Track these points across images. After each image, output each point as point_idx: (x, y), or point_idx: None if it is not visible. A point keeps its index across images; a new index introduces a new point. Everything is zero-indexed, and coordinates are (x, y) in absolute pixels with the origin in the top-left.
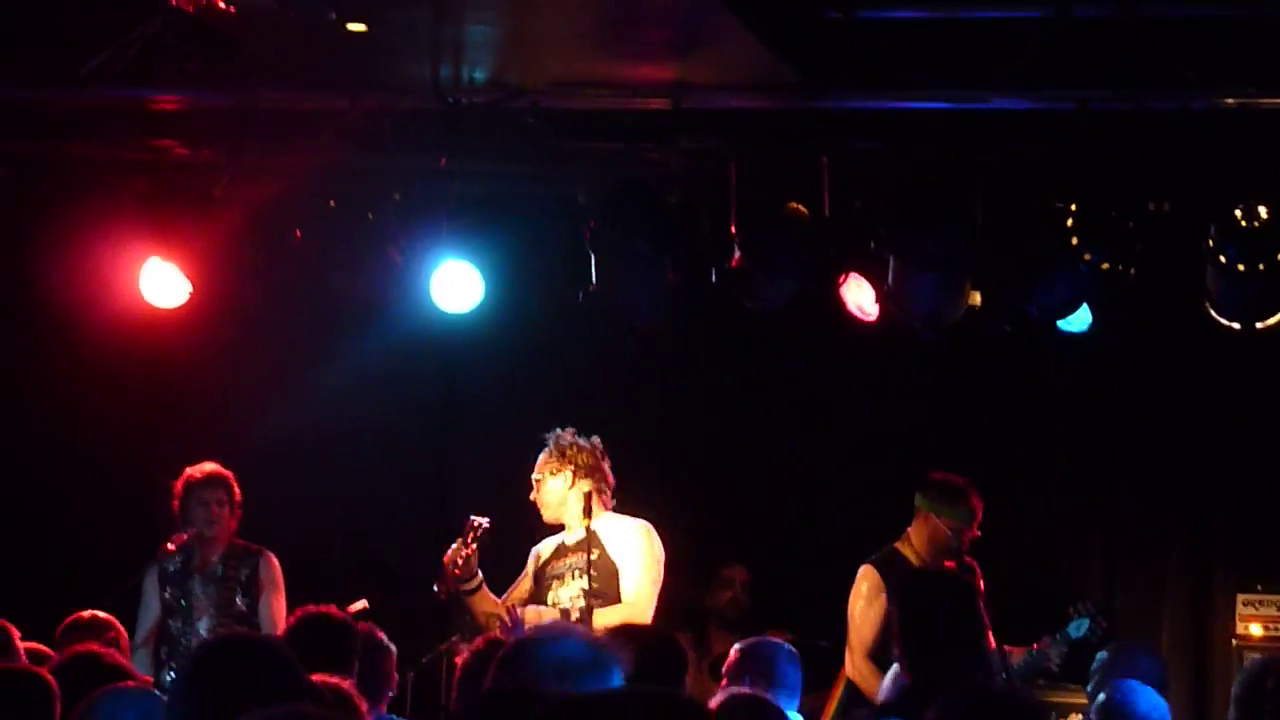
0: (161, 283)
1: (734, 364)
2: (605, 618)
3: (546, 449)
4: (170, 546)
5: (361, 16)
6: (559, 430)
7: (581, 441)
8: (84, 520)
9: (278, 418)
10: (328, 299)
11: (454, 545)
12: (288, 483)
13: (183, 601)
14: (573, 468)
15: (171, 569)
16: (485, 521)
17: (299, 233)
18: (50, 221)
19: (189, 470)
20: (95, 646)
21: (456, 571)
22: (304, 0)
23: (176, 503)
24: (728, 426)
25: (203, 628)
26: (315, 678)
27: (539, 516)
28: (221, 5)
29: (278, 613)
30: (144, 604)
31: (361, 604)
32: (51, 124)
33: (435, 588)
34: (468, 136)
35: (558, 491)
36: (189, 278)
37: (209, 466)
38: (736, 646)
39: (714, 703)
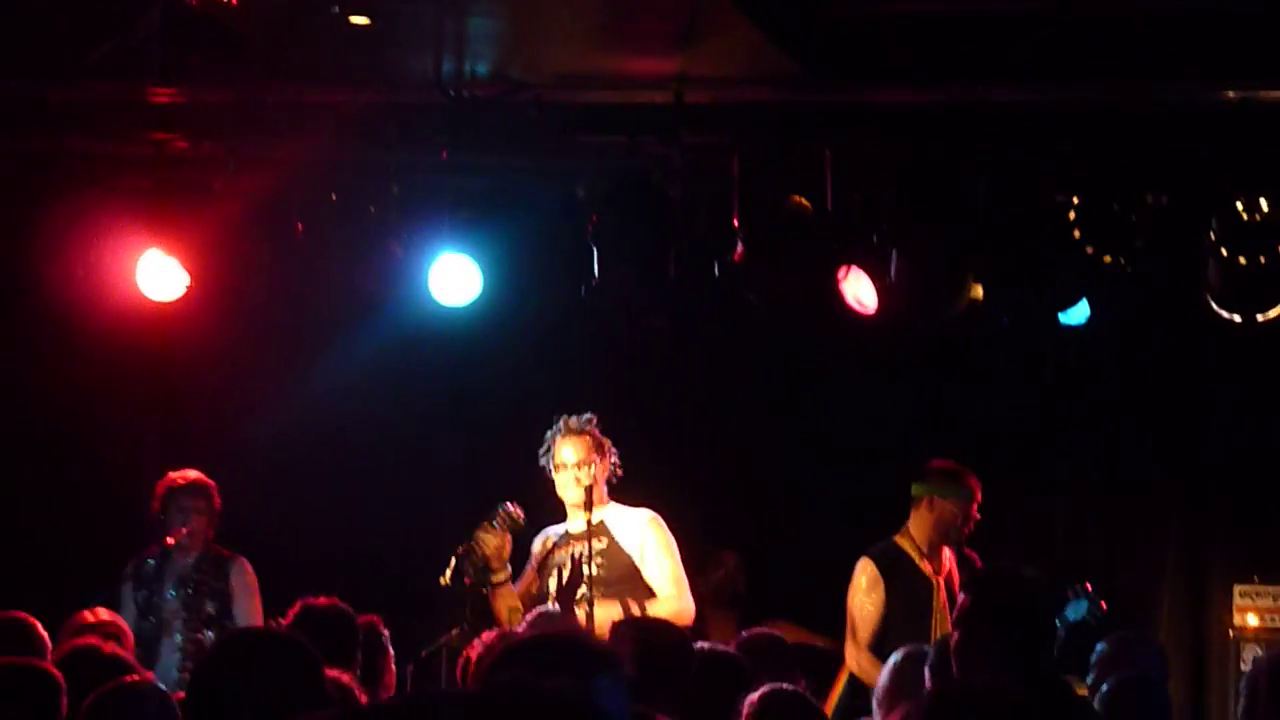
0: (159, 276)
1: (735, 356)
2: (656, 609)
3: (579, 433)
4: (152, 550)
5: (365, 10)
6: (586, 415)
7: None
8: (79, 514)
9: (276, 410)
10: (328, 292)
11: (484, 534)
12: (286, 475)
13: (155, 604)
14: (601, 456)
15: (146, 573)
16: (519, 511)
17: (299, 226)
18: (49, 214)
19: (172, 475)
20: (95, 639)
21: (489, 562)
22: None
23: (157, 504)
24: (728, 418)
25: (174, 631)
26: None
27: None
28: None
29: (251, 618)
30: (122, 607)
31: None
32: (52, 117)
33: (448, 576)
34: (470, 130)
35: (592, 478)
36: (188, 271)
37: (192, 474)
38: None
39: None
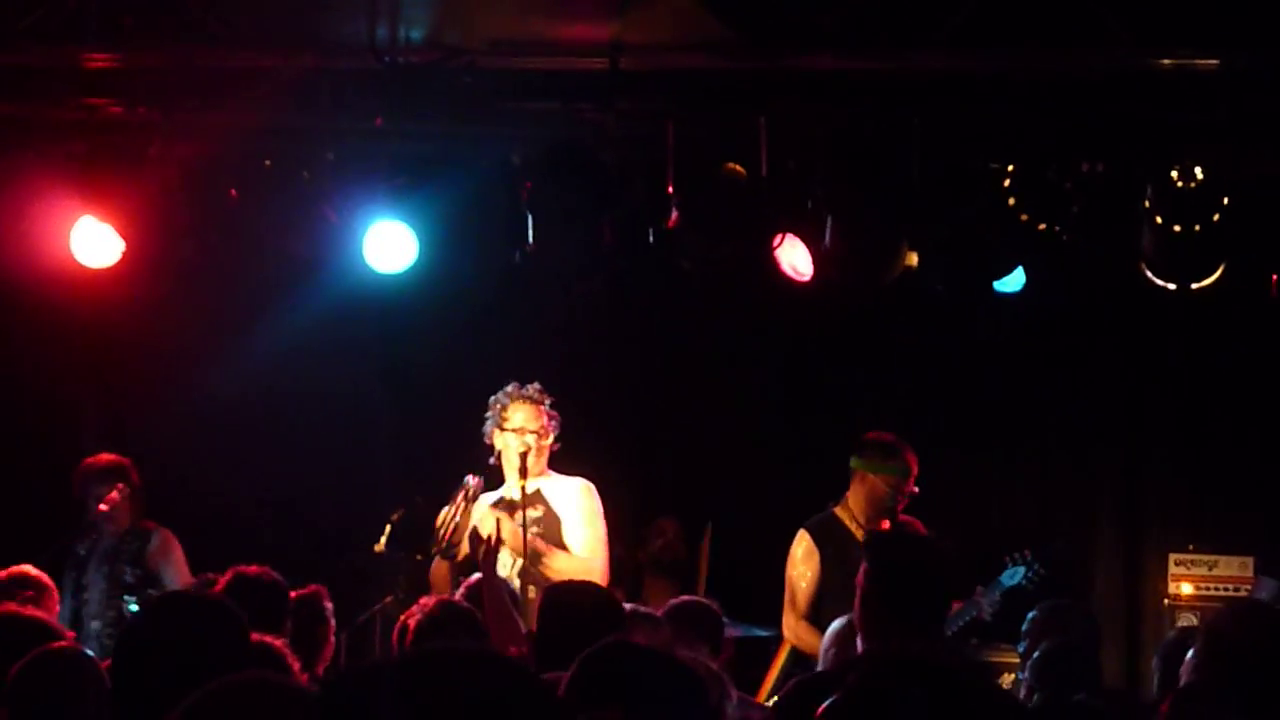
0: (94, 242)
1: (670, 324)
2: (559, 562)
3: (534, 402)
4: (84, 534)
5: None
6: (536, 385)
7: None
8: (13, 482)
9: (212, 376)
10: (262, 258)
11: (446, 510)
12: (221, 441)
13: (83, 583)
14: (550, 426)
15: (76, 555)
16: (478, 481)
17: (234, 192)
18: None
19: (87, 461)
20: (13, 606)
21: (450, 536)
22: None
23: (75, 490)
24: (664, 386)
25: (93, 602)
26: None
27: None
28: None
29: (175, 585)
30: (61, 587)
31: None
32: None
33: (383, 543)
34: (404, 96)
35: (544, 447)
36: (123, 237)
37: (105, 458)
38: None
39: None
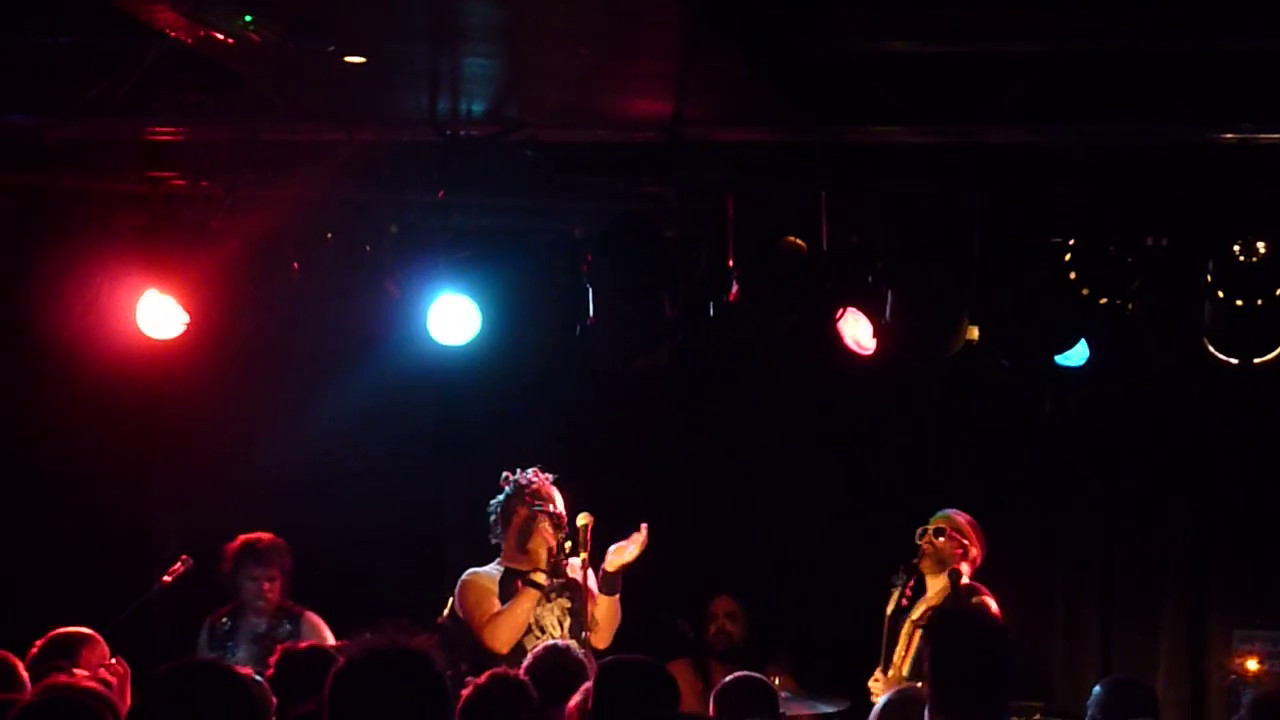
0: (158, 314)
1: (731, 397)
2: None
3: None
4: (227, 608)
5: (360, 49)
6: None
7: None
8: (80, 550)
9: (274, 448)
10: (325, 331)
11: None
12: (284, 512)
13: (227, 659)
14: None
15: (222, 629)
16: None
17: (296, 265)
18: (47, 253)
19: (245, 539)
20: (65, 677)
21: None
22: (302, 33)
23: (228, 565)
24: (724, 459)
25: None
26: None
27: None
28: (219, 37)
29: None
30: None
31: None
32: (49, 155)
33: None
34: (465, 169)
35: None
36: (186, 309)
37: (266, 539)
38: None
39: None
